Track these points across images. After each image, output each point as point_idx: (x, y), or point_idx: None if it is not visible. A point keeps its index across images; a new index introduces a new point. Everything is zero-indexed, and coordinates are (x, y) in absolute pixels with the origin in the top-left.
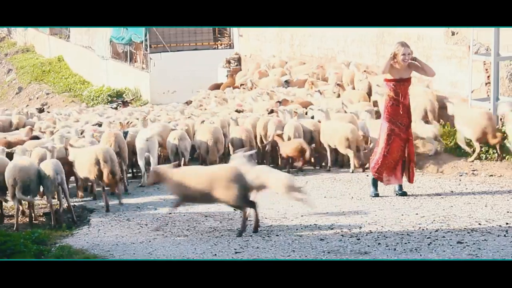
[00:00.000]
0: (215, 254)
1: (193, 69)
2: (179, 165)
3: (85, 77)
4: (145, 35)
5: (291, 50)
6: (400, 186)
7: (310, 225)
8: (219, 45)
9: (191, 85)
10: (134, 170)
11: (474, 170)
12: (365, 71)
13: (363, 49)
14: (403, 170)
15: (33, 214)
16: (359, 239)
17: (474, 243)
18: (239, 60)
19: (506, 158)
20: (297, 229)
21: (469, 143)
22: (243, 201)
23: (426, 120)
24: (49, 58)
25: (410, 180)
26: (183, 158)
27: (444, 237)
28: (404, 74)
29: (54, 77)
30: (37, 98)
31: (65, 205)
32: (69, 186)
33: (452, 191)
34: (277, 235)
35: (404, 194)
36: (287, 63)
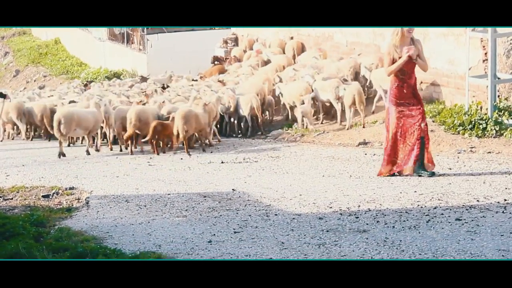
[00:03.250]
0: (214, 234)
1: (190, 50)
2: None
3: (82, 59)
4: None
5: (288, 30)
6: (423, 166)
7: (309, 204)
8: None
9: (188, 66)
10: None
11: (472, 147)
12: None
13: (360, 28)
14: (421, 151)
15: None
16: (357, 217)
17: (472, 220)
18: (236, 40)
19: (504, 135)
20: (295, 208)
21: None
22: None
23: None
24: (46, 40)
25: (430, 161)
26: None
27: (442, 214)
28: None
29: (51, 60)
30: (35, 80)
31: None
32: None
33: (450, 168)
34: (275, 215)
35: (432, 174)
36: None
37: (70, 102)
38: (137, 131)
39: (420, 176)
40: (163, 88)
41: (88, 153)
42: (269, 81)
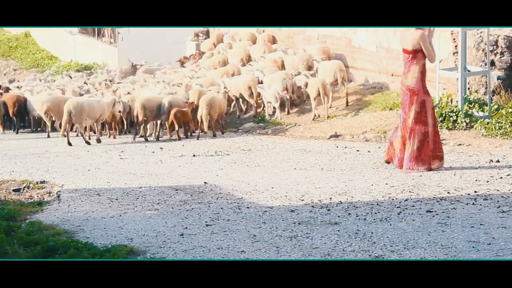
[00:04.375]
0: (186, 227)
1: (161, 42)
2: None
3: (52, 52)
4: None
5: None
6: None
7: (281, 196)
8: None
9: (160, 59)
10: None
11: (442, 140)
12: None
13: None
14: None
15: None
16: (329, 209)
17: (443, 212)
18: (207, 33)
19: (474, 127)
20: (267, 201)
21: None
22: None
23: None
24: (16, 33)
25: None
26: None
27: (413, 206)
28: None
29: (21, 53)
30: (5, 74)
31: None
32: None
33: None
34: (247, 207)
35: None
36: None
37: None
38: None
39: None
40: (110, 81)
41: (99, 141)
42: (228, 75)
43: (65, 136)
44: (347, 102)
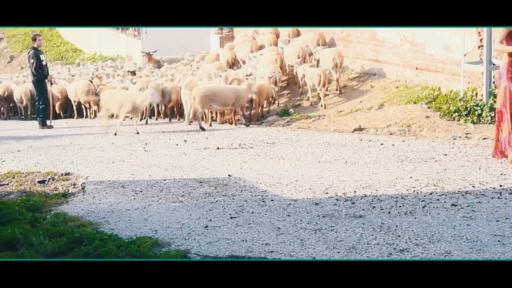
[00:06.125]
0: (210, 220)
1: (185, 35)
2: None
3: (77, 45)
4: None
5: None
6: None
7: (305, 189)
8: None
9: (183, 52)
10: None
11: (467, 133)
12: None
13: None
14: None
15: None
16: (353, 203)
17: (468, 206)
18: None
19: None
20: (291, 194)
21: None
22: None
23: None
24: (40, 26)
25: None
26: None
27: (438, 200)
28: None
29: (45, 45)
30: (29, 66)
31: None
32: None
33: (445, 155)
34: (272, 200)
35: None
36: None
37: None
38: None
39: None
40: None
41: (247, 125)
42: (221, 69)
43: (191, 123)
44: (339, 90)
